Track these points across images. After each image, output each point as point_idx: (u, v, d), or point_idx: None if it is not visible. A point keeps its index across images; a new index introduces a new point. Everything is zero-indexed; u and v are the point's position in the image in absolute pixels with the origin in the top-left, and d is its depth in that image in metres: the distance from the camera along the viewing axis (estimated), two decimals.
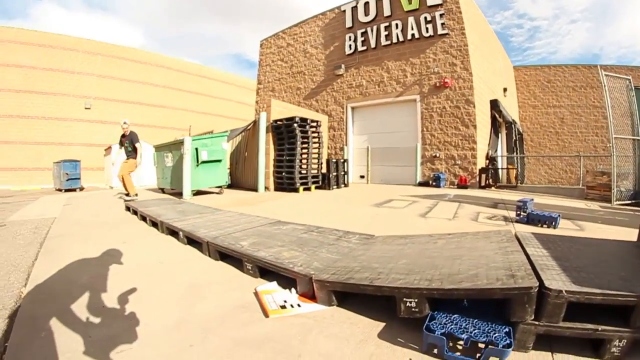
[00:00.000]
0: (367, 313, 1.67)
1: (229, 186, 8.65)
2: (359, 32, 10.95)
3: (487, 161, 9.30)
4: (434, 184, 8.93)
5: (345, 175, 9.06)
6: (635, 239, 2.13)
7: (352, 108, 11.31)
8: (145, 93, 20.97)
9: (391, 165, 10.40)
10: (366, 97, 10.86)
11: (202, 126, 20.53)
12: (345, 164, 9.09)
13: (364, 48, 10.87)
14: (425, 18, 9.53)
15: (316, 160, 8.43)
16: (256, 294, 1.93)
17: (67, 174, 11.73)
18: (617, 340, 1.21)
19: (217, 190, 7.44)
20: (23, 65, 16.93)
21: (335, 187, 8.46)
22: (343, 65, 11.32)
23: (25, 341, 1.45)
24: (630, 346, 1.21)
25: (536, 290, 1.27)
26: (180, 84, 23.06)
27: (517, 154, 12.33)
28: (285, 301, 1.80)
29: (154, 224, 3.79)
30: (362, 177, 11.06)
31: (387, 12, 10.28)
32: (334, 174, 8.45)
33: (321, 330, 1.52)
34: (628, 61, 46.57)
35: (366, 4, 10.72)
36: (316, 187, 8.27)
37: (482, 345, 1.28)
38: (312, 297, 1.83)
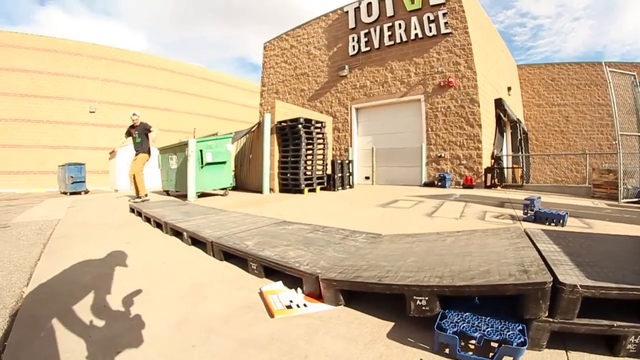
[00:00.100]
0: (375, 312, 1.63)
1: (234, 188, 8.64)
2: (362, 33, 10.92)
3: (493, 161, 9.20)
4: (439, 184, 8.85)
5: (350, 177, 9.00)
6: None
7: (357, 109, 11.26)
8: (150, 96, 21.12)
9: (396, 166, 10.33)
10: (370, 97, 10.81)
11: (207, 129, 20.53)
12: (350, 165, 9.03)
13: (368, 49, 10.84)
14: (428, 17, 9.49)
15: (321, 162, 8.39)
16: (261, 294, 1.89)
17: (72, 177, 11.85)
18: (633, 337, 1.17)
19: (221, 192, 7.43)
20: (28, 70, 17.16)
21: (340, 188, 8.40)
22: (347, 66, 11.29)
23: (25, 340, 1.43)
24: None
25: (550, 285, 1.23)
26: (184, 87, 23.21)
27: (522, 153, 12.24)
28: (291, 301, 1.76)
29: (158, 225, 3.77)
30: (367, 178, 11.00)
31: (389, 12, 10.25)
32: (339, 175, 8.40)
33: (328, 331, 1.48)
34: (632, 58, 46.17)
35: (369, 5, 10.70)
36: (321, 189, 8.23)
37: (494, 345, 1.23)
38: (318, 297, 1.79)
